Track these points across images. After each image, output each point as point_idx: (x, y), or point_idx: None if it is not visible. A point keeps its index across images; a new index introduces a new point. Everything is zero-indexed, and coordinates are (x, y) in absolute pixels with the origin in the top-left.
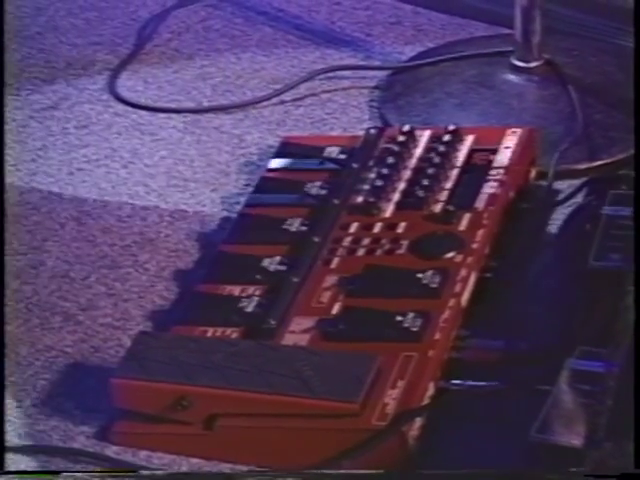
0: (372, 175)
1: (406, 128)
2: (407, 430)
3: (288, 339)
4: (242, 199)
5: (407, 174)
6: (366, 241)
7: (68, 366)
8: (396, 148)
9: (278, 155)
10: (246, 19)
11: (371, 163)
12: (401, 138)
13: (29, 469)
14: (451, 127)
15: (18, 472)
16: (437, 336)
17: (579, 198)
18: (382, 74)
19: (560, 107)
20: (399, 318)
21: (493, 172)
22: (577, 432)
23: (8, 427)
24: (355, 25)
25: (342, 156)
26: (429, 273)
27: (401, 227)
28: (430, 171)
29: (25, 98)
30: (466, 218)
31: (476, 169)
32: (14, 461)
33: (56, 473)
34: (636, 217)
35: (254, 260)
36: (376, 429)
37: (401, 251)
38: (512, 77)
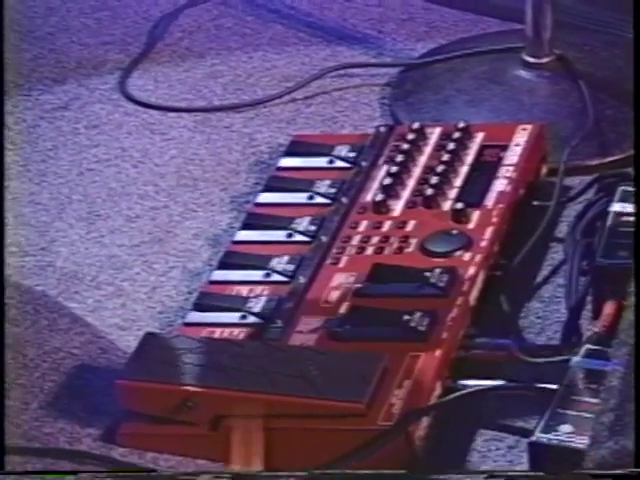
0: (382, 173)
1: (416, 126)
2: (413, 430)
3: (295, 339)
4: (252, 198)
5: (417, 172)
6: (375, 240)
7: (75, 368)
8: (406, 146)
9: (288, 154)
10: (257, 17)
11: (381, 161)
12: (411, 136)
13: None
14: (461, 124)
15: (18, 472)
16: (444, 335)
17: (590, 195)
18: (393, 71)
19: (571, 102)
20: (406, 317)
21: (503, 169)
22: (582, 432)
23: (15, 430)
24: (367, 22)
25: (352, 154)
26: (437, 272)
27: (410, 225)
28: (440, 169)
29: (36, 98)
30: (475, 216)
31: (486, 166)
32: (20, 463)
33: (56, 473)
34: (637, 220)
35: (262, 260)
36: (382, 429)
37: (410, 250)
38: (523, 73)
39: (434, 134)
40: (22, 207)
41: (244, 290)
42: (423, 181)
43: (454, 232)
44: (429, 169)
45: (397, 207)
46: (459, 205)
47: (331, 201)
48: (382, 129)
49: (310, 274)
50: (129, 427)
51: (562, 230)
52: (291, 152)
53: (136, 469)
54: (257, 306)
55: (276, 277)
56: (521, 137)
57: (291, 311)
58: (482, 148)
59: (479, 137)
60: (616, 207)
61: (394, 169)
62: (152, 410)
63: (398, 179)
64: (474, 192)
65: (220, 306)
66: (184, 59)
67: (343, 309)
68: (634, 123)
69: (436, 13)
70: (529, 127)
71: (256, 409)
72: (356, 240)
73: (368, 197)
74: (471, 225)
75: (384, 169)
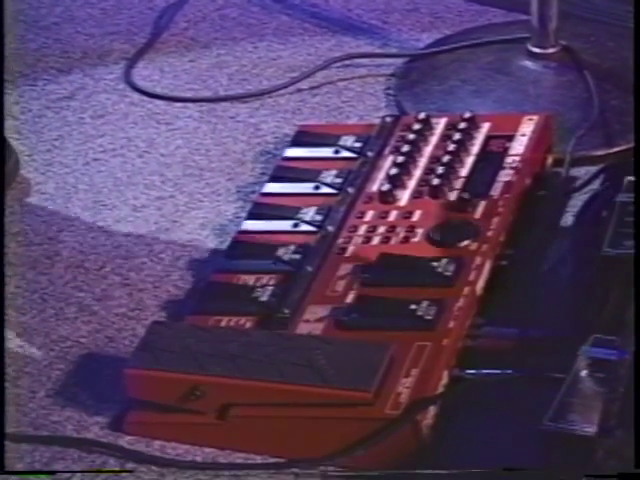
0: (387, 163)
1: (422, 116)
2: (421, 419)
3: (302, 328)
4: (258, 188)
5: (423, 162)
6: (381, 229)
7: (82, 356)
8: (412, 136)
9: (294, 144)
10: (262, 7)
11: (387, 151)
12: (417, 126)
13: (42, 459)
14: (467, 114)
15: (18, 472)
16: (451, 324)
17: (595, 185)
18: (399, 61)
19: (577, 93)
20: (413, 307)
21: (509, 159)
22: (590, 420)
23: (22, 418)
24: (372, 12)
25: (357, 144)
26: (444, 261)
27: (416, 215)
28: (446, 159)
29: (41, 88)
30: (481, 206)
31: (492, 156)
32: (28, 451)
33: (56, 473)
34: (637, 210)
35: (269, 249)
36: (389, 418)
37: (416, 239)
38: (529, 63)
39: (440, 124)
40: (28, 197)
41: (251, 279)
42: (429, 171)
43: (460, 222)
44: (435, 159)
45: (403, 197)
46: (465, 195)
47: (337, 191)
48: (388, 119)
49: (317, 263)
50: (136, 415)
51: (568, 220)
52: (297, 142)
53: (122, 469)
54: (264, 295)
55: (283, 266)
56: (527, 127)
57: (298, 300)
58: (488, 138)
59: (485, 127)
60: (622, 197)
61: (400, 159)
62: (159, 399)
63: (404, 169)
64: (480, 182)
65: (227, 295)
66: (189, 49)
67: (350, 298)
68: (634, 113)
69: (441, 3)
70: (535, 117)
71: (263, 398)
72: (362, 230)
73: (374, 187)
74: (477, 215)
75: (390, 159)
